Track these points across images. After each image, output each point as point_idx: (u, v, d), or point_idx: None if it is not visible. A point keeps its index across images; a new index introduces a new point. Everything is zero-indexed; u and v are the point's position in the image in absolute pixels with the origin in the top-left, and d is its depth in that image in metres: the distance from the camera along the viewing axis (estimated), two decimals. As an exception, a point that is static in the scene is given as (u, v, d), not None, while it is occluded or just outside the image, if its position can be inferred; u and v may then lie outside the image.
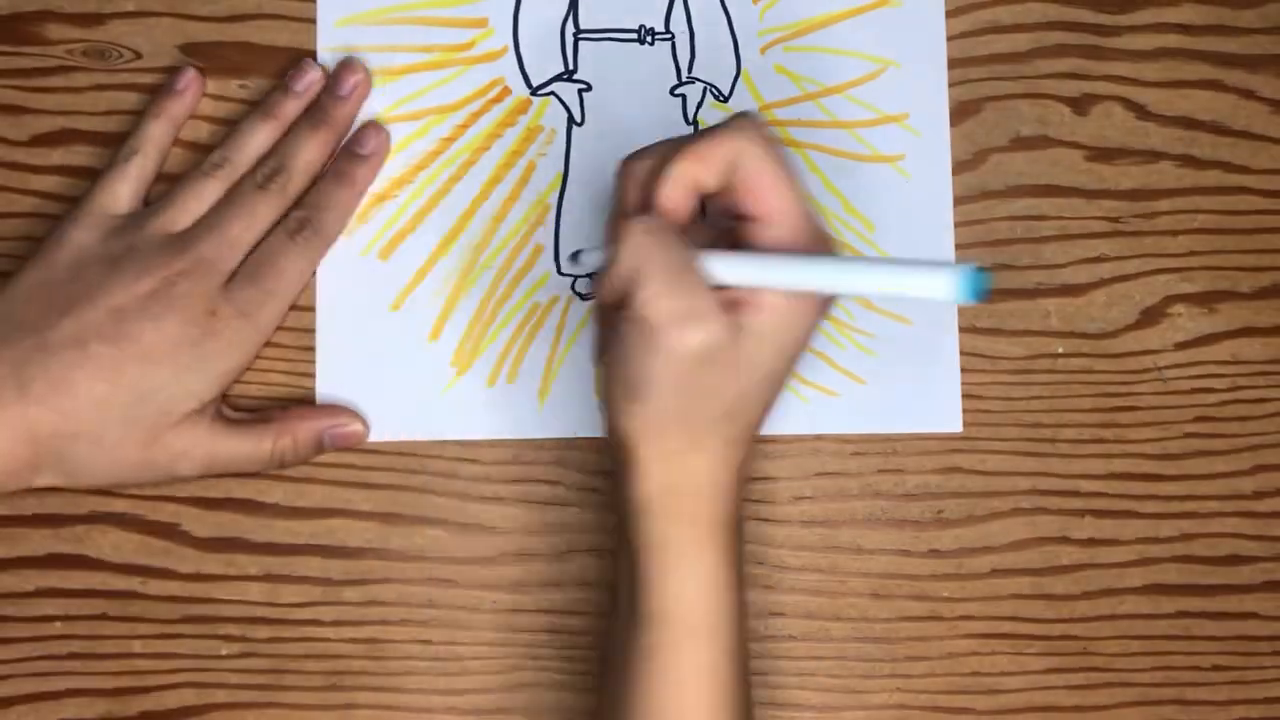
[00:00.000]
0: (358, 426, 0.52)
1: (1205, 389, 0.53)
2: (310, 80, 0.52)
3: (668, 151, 0.42)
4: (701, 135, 0.42)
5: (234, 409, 0.52)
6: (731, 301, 0.41)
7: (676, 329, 0.40)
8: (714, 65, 0.54)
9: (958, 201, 0.53)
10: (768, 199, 0.41)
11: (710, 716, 0.43)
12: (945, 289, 0.36)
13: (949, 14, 0.54)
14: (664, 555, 0.43)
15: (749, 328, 0.41)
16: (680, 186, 0.42)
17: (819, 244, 0.42)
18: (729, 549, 0.43)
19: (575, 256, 0.49)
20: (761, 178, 0.41)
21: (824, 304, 0.42)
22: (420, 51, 0.54)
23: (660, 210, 0.42)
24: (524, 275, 0.53)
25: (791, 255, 0.41)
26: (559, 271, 0.53)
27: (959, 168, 0.54)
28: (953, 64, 0.54)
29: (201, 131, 0.53)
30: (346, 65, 0.52)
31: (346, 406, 0.52)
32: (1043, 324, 0.53)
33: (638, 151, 0.44)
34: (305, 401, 0.52)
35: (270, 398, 0.52)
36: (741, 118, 0.41)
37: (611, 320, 0.42)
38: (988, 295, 0.35)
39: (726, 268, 0.40)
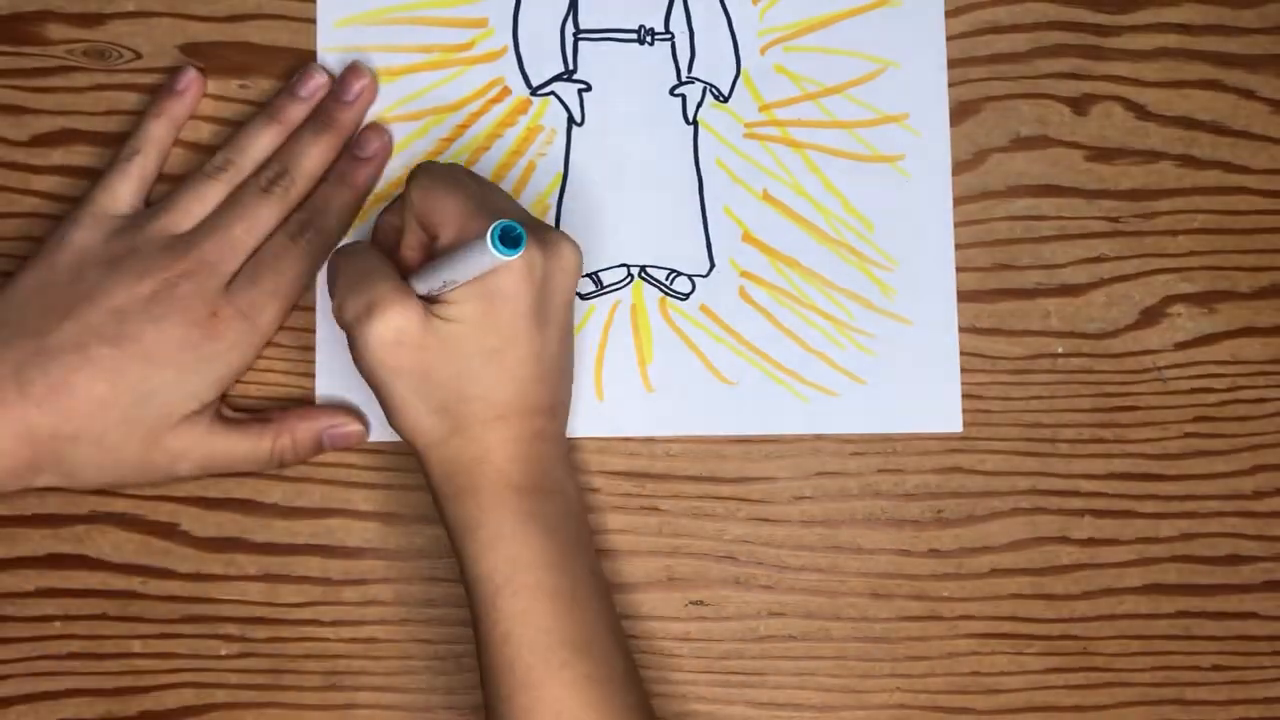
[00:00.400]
0: (357, 426, 0.52)
1: (1205, 389, 0.53)
2: (316, 85, 0.52)
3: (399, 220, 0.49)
4: (396, 204, 0.50)
5: (233, 409, 0.52)
6: (435, 301, 0.45)
7: (361, 324, 0.45)
8: (714, 65, 0.54)
9: (958, 201, 0.53)
10: (434, 217, 0.46)
11: (538, 658, 0.45)
12: (489, 254, 0.40)
13: (949, 14, 0.54)
14: (459, 530, 0.46)
15: (440, 314, 0.45)
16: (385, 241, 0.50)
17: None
18: (513, 507, 0.46)
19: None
20: (425, 204, 0.46)
21: (516, 288, 0.44)
22: (420, 51, 0.54)
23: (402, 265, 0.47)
24: (524, 275, 0.53)
25: (430, 262, 0.45)
26: (559, 271, 0.53)
27: (959, 168, 0.54)
28: (953, 64, 0.54)
29: (202, 132, 0.53)
30: (353, 70, 0.52)
31: (346, 406, 0.52)
32: (1043, 324, 0.53)
33: (381, 217, 0.52)
34: (305, 401, 0.52)
35: (270, 398, 0.52)
36: (414, 169, 0.47)
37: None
38: (519, 243, 0.40)
39: (417, 282, 0.45)
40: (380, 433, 0.52)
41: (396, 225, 0.49)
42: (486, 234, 0.40)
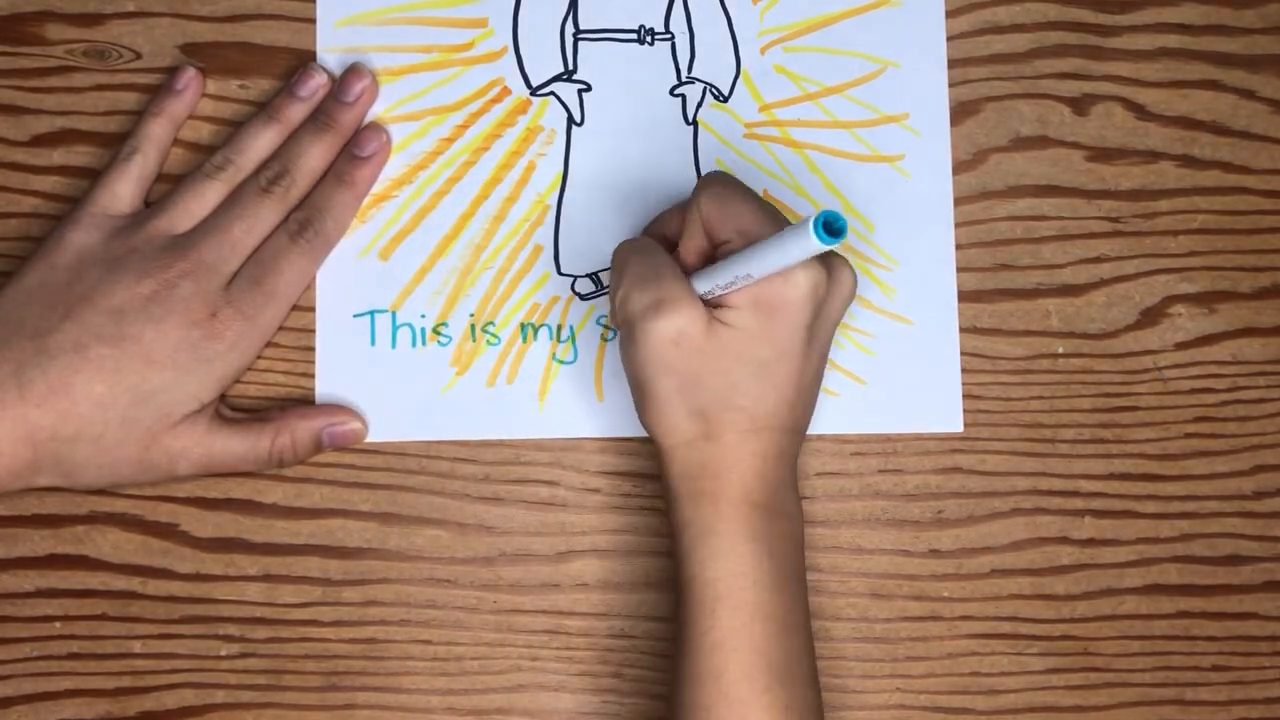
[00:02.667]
0: (356, 425, 0.52)
1: (1205, 389, 0.53)
2: (316, 85, 0.52)
3: (677, 225, 0.49)
4: (672, 207, 0.51)
5: (233, 409, 0.52)
6: (715, 305, 0.45)
7: (646, 318, 0.44)
8: (714, 65, 0.54)
9: (958, 201, 0.53)
10: (727, 223, 0.46)
11: (745, 677, 0.44)
12: (809, 241, 0.39)
13: (949, 14, 0.54)
14: (691, 531, 0.46)
15: (722, 319, 0.44)
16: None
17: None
18: (748, 523, 0.45)
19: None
20: (718, 210, 0.46)
21: (798, 299, 0.44)
22: (420, 52, 0.54)
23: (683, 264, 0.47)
24: (524, 275, 0.53)
25: (722, 260, 0.45)
26: (559, 272, 0.53)
27: (959, 168, 0.54)
28: (953, 64, 0.54)
29: (202, 132, 0.53)
30: (353, 71, 0.52)
31: (345, 405, 0.52)
32: (1043, 324, 0.53)
33: (655, 223, 0.51)
34: (305, 401, 0.52)
35: (270, 398, 0.52)
36: (703, 176, 0.48)
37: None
38: (843, 232, 0.39)
39: (699, 281, 0.45)
40: (380, 432, 0.52)
41: (673, 229, 0.49)
42: (809, 220, 0.39)
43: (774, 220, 0.46)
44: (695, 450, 0.46)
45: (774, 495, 0.46)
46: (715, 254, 0.46)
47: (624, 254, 0.47)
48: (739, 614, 0.45)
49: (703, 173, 0.53)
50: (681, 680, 0.46)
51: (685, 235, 0.47)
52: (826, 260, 0.45)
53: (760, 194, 0.53)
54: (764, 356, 0.45)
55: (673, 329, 0.44)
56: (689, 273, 0.46)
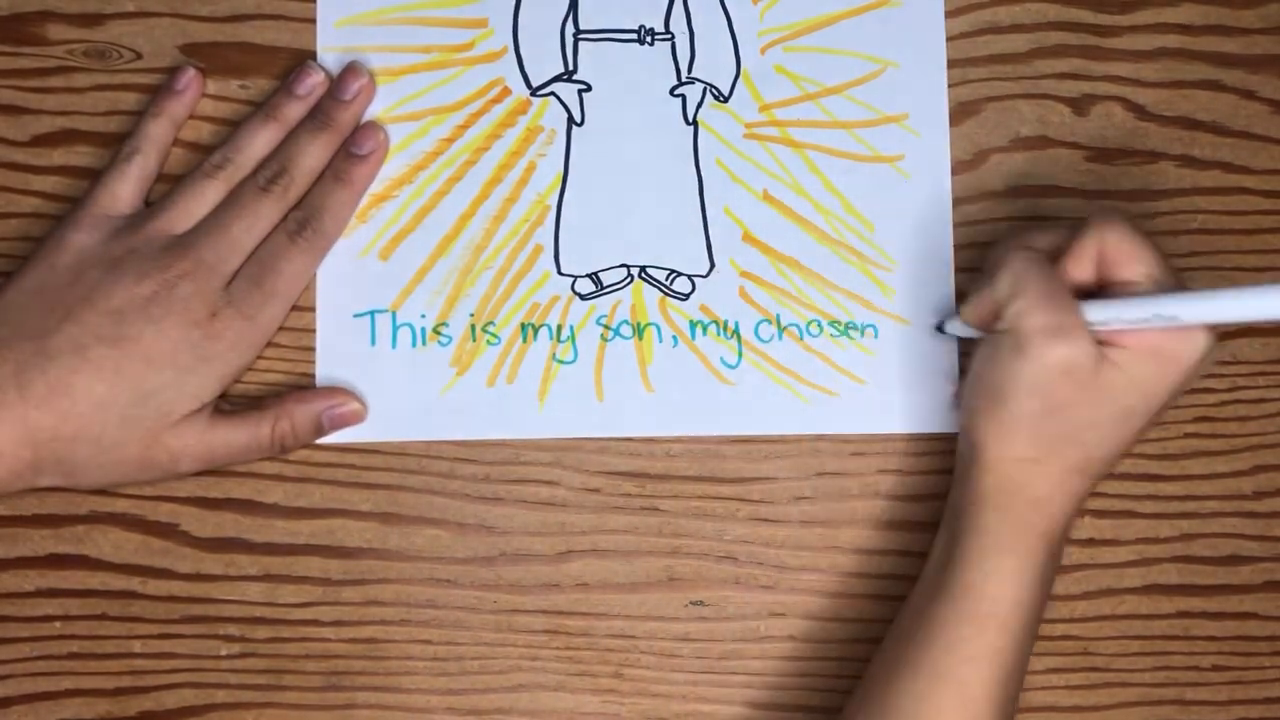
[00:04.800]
0: (356, 405, 0.52)
1: (1205, 389, 0.53)
2: (313, 83, 0.52)
3: (1055, 244, 0.47)
4: (1073, 234, 0.47)
5: (230, 403, 0.52)
6: (1102, 340, 0.45)
7: (1045, 339, 0.44)
8: (714, 65, 0.54)
9: (958, 201, 0.53)
10: (1131, 264, 0.45)
11: (986, 696, 0.45)
12: (1274, 303, 0.40)
13: (949, 14, 0.54)
14: (987, 540, 0.46)
15: (1112, 359, 0.44)
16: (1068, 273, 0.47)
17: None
18: (1040, 556, 0.46)
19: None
20: (1122, 245, 0.45)
21: (1191, 360, 0.44)
22: (420, 52, 0.54)
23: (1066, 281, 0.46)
24: (524, 275, 0.53)
25: (1132, 296, 0.45)
26: (559, 272, 0.53)
27: (959, 168, 0.54)
28: (952, 64, 0.54)
29: (202, 131, 0.53)
30: (351, 69, 0.52)
31: (343, 387, 0.52)
32: (1043, 324, 0.53)
33: (1030, 236, 0.48)
34: (305, 401, 0.52)
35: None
36: (1102, 208, 0.48)
37: (974, 344, 0.48)
38: None
39: (1095, 310, 0.45)
40: (380, 432, 0.52)
41: (1048, 248, 0.47)
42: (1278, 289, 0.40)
43: (1176, 273, 0.46)
44: (1020, 469, 0.46)
45: (1064, 539, 0.47)
46: (1101, 290, 0.46)
47: (1022, 264, 0.46)
48: (1004, 637, 0.45)
49: (703, 173, 0.53)
50: (917, 673, 0.46)
51: (1072, 261, 0.46)
52: (1210, 329, 0.45)
53: (761, 193, 0.53)
54: (1132, 406, 0.45)
55: (1068, 358, 0.44)
56: None
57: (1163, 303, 0.43)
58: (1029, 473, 0.46)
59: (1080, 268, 0.46)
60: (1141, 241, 0.45)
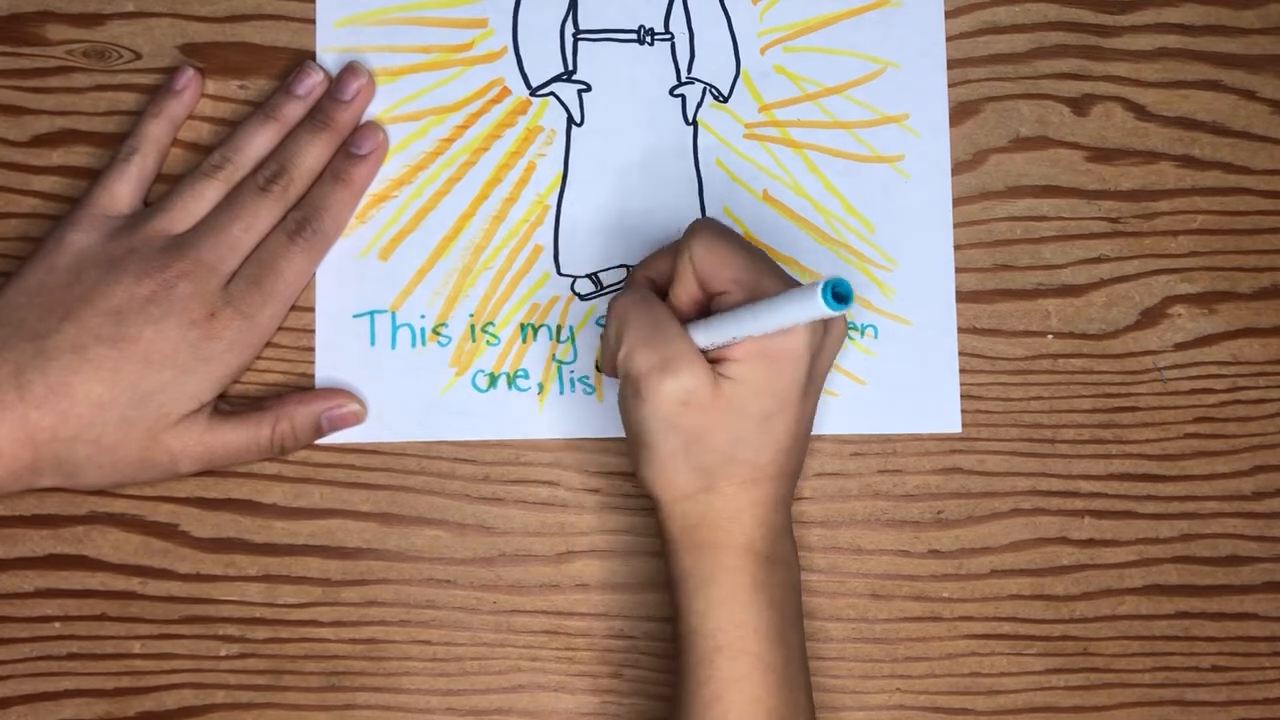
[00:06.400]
0: (355, 407, 0.52)
1: (1205, 389, 0.53)
2: (313, 83, 0.52)
3: (667, 269, 0.48)
4: (661, 251, 0.49)
5: (230, 404, 0.52)
6: (714, 359, 0.45)
7: (655, 378, 0.44)
8: (714, 65, 0.54)
9: (957, 201, 0.53)
10: (722, 274, 0.46)
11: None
12: (816, 306, 0.40)
13: (949, 14, 0.54)
14: (691, 582, 0.46)
15: (729, 374, 0.44)
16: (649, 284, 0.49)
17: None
18: (751, 573, 0.45)
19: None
20: (710, 260, 0.46)
21: (798, 351, 0.44)
22: (420, 52, 0.54)
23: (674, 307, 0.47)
24: (524, 275, 0.53)
25: (722, 314, 0.45)
26: (559, 272, 0.53)
27: (959, 168, 0.54)
28: (952, 64, 0.54)
29: (201, 131, 0.53)
30: (350, 70, 0.52)
31: (343, 388, 0.52)
32: (1043, 324, 0.53)
33: (648, 264, 0.50)
34: (305, 402, 0.52)
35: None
36: (692, 224, 0.47)
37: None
38: (849, 300, 0.40)
39: (698, 333, 0.45)
40: (380, 433, 0.52)
41: (663, 274, 0.48)
42: (817, 287, 0.40)
43: (768, 269, 0.46)
44: (695, 503, 0.45)
45: (774, 543, 0.46)
46: (709, 302, 0.46)
47: (623, 308, 0.46)
48: (738, 664, 0.45)
49: (703, 173, 0.53)
50: None
51: (677, 284, 0.47)
52: None
53: (761, 193, 0.53)
54: (767, 409, 0.45)
55: (681, 390, 0.44)
56: (684, 321, 0.46)
57: (741, 321, 0.43)
58: (704, 503, 0.45)
59: (685, 289, 0.46)
60: (725, 248, 0.46)
